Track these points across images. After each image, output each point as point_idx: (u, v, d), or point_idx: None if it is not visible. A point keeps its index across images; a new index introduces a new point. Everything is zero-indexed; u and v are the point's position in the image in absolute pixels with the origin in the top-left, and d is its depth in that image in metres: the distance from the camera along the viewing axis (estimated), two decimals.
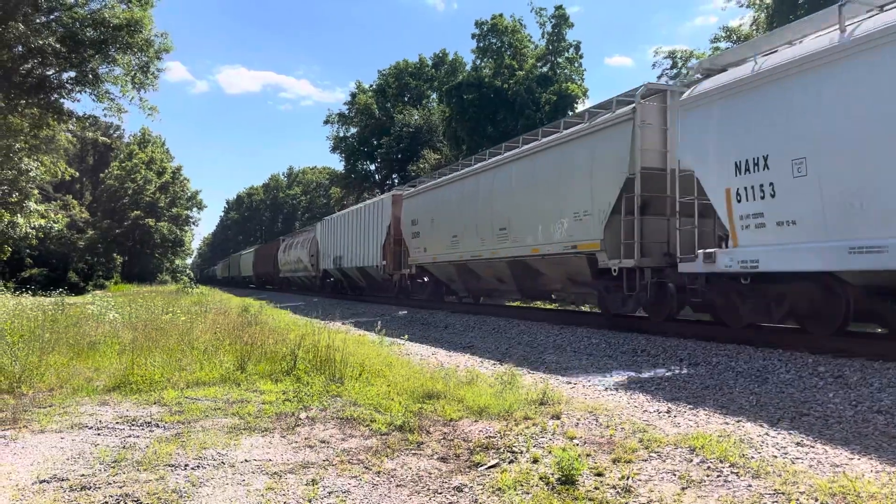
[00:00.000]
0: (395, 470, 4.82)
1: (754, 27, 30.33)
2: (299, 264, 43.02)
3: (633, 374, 9.19)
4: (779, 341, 9.88)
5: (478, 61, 47.36)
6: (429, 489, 4.43)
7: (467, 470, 4.82)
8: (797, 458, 4.87)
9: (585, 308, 19.80)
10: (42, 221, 34.99)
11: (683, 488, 4.27)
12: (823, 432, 5.73)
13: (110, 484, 4.43)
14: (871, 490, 4.08)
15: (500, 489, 4.35)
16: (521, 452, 5.13)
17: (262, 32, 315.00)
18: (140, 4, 25.01)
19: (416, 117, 59.76)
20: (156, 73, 26.63)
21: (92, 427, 6.00)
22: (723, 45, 31.57)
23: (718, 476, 4.45)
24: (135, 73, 25.94)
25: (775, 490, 4.15)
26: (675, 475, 4.51)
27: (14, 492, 4.30)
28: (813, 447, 5.19)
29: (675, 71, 34.24)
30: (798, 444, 5.29)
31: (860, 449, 5.13)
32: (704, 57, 31.70)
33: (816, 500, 3.96)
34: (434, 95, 62.33)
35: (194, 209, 77.69)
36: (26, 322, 11.62)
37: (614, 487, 4.32)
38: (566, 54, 44.42)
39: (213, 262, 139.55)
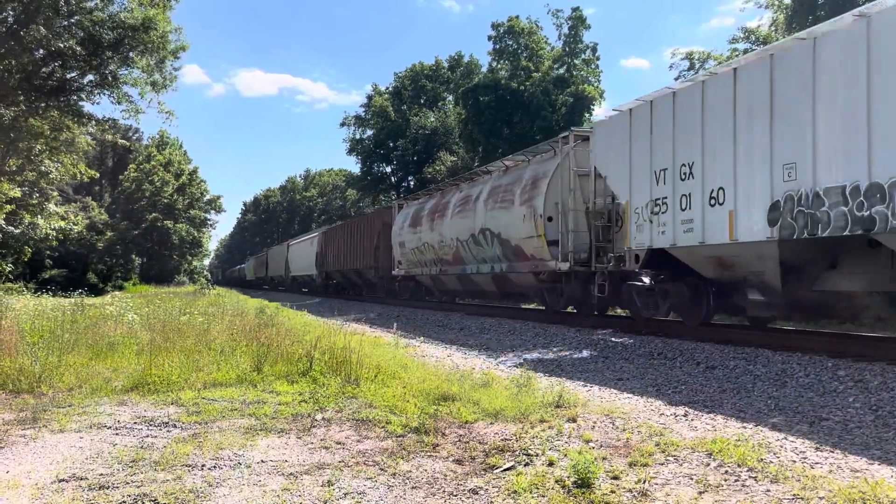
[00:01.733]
0: (410, 472, 4.81)
1: (773, 28, 30.06)
2: (517, 245, 17.19)
3: (649, 377, 9.14)
4: (798, 345, 9.78)
5: (494, 63, 47.37)
6: (444, 491, 4.42)
7: (483, 472, 4.81)
8: (816, 463, 4.82)
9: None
10: (62, 223, 35.38)
11: (701, 492, 4.24)
12: (843, 437, 5.66)
13: (128, 483, 4.47)
14: (893, 496, 4.03)
15: (515, 492, 4.34)
16: (537, 455, 5.11)
17: (279, 35, 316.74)
18: (157, 6, 25.26)
19: (432, 119, 59.86)
20: (172, 72, 26.90)
21: (110, 427, 6.05)
22: (741, 45, 31.32)
23: (736, 480, 4.41)
24: (152, 73, 26.19)
25: (794, 495, 4.11)
26: (692, 479, 4.48)
27: (34, 490, 4.35)
28: (832, 452, 5.13)
29: (692, 73, 34.00)
30: (817, 448, 5.23)
31: (881, 454, 5.07)
32: (723, 58, 31.46)
33: None
34: (450, 98, 62.39)
35: (212, 212, 77.87)
36: (46, 323, 11.74)
37: (631, 491, 4.29)
38: (583, 56, 44.33)
39: (231, 262, 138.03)
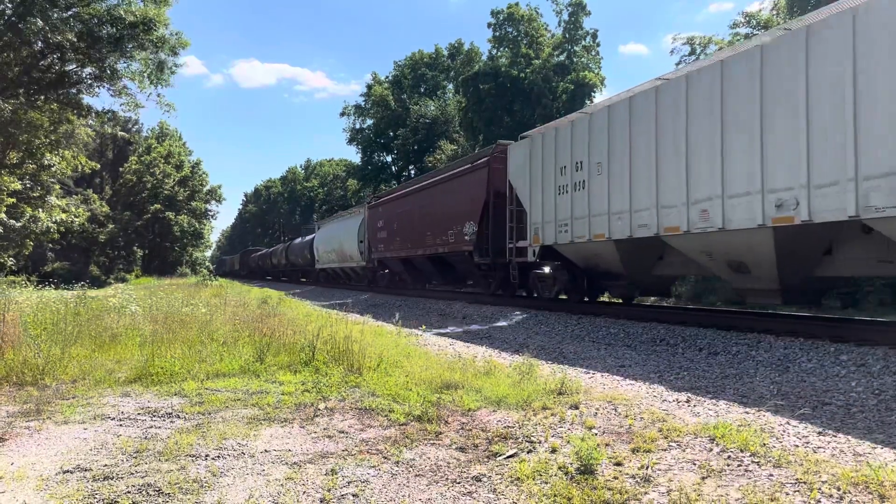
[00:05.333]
0: (413, 460, 4.82)
1: (775, 12, 29.89)
2: None
3: (652, 363, 9.14)
4: (801, 330, 9.78)
5: (494, 51, 47.22)
6: (447, 479, 4.43)
7: (486, 460, 4.82)
8: (819, 448, 4.82)
9: (604, 298, 19.71)
10: (63, 216, 35.38)
11: (703, 478, 4.24)
12: (846, 421, 5.67)
13: (132, 474, 4.48)
14: (895, 479, 4.03)
15: (518, 479, 4.35)
16: (540, 442, 5.12)
17: (276, 25, 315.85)
18: (155, 3, 25.18)
19: (432, 108, 59.75)
20: (173, 69, 26.84)
21: (114, 418, 6.07)
22: (742, 30, 31.16)
23: (739, 465, 4.42)
24: (151, 70, 26.14)
25: (797, 479, 4.11)
26: (694, 464, 4.48)
27: (38, 482, 4.36)
28: (835, 436, 5.13)
29: (693, 57, 33.83)
30: (820, 433, 5.23)
31: (884, 438, 5.07)
32: (724, 43, 31.32)
33: (839, 489, 3.92)
34: (450, 86, 62.24)
35: (213, 202, 77.82)
36: (49, 315, 11.75)
37: (634, 477, 4.30)
38: (583, 43, 44.15)
39: (232, 251, 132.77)
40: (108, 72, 26.10)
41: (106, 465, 4.67)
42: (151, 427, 5.76)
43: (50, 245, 45.53)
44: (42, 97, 26.06)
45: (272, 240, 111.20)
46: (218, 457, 4.85)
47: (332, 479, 4.37)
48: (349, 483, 4.33)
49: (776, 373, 7.89)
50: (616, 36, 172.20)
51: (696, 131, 10.70)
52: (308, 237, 47.51)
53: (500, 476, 4.45)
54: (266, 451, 5.02)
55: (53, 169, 31.80)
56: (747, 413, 6.00)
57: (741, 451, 4.68)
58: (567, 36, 44.01)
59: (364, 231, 31.06)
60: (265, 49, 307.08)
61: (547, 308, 15.89)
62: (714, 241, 10.52)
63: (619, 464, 4.54)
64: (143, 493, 4.14)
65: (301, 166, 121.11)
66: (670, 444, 4.96)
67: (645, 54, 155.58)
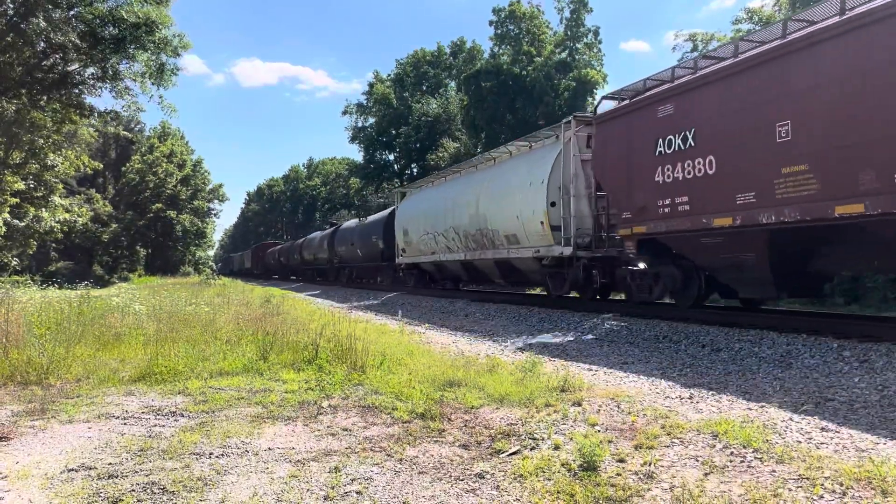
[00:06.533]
0: (416, 457, 4.84)
1: (777, 8, 29.83)
2: None
3: (654, 360, 9.14)
4: (804, 326, 9.76)
5: (496, 49, 47.08)
6: (451, 476, 4.44)
7: (489, 457, 4.83)
8: (822, 444, 4.82)
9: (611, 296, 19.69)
10: (66, 215, 35.48)
11: (706, 474, 4.25)
12: (849, 417, 5.66)
13: (137, 472, 4.50)
14: None
15: (521, 476, 4.36)
16: (543, 439, 5.13)
17: (278, 24, 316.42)
18: (156, 3, 25.18)
19: (434, 106, 59.65)
20: (175, 70, 26.85)
21: (118, 417, 6.09)
22: (745, 27, 31.09)
23: (742, 462, 4.42)
24: (152, 71, 26.15)
25: (800, 475, 4.11)
26: (697, 461, 4.49)
27: (43, 480, 4.38)
28: (838, 432, 5.13)
29: (695, 54, 33.78)
30: (823, 429, 5.23)
31: (887, 433, 5.07)
32: (726, 39, 31.26)
33: (842, 484, 3.92)
34: (452, 84, 62.16)
35: (215, 201, 77.81)
36: (53, 315, 11.79)
37: (636, 473, 4.30)
38: (585, 40, 44.03)
39: (232, 248, 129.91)
40: (111, 73, 26.12)
41: (110, 464, 4.69)
42: (155, 426, 5.78)
43: (53, 245, 45.64)
44: (45, 97, 26.09)
45: (275, 238, 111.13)
46: (222, 455, 4.87)
47: (335, 477, 4.39)
48: (353, 480, 4.34)
49: (779, 369, 7.89)
50: (617, 33, 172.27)
51: None
52: (371, 218, 32.30)
53: (503, 473, 4.46)
54: (270, 449, 5.04)
55: (56, 169, 31.89)
56: (750, 409, 6.00)
57: (744, 447, 4.68)
58: (569, 33, 43.89)
59: (568, 184, 14.78)
60: (266, 48, 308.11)
61: (549, 305, 15.69)
62: None
63: (621, 460, 4.55)
64: (148, 491, 4.16)
65: (303, 165, 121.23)
66: (673, 440, 4.97)
67: (646, 51, 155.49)
